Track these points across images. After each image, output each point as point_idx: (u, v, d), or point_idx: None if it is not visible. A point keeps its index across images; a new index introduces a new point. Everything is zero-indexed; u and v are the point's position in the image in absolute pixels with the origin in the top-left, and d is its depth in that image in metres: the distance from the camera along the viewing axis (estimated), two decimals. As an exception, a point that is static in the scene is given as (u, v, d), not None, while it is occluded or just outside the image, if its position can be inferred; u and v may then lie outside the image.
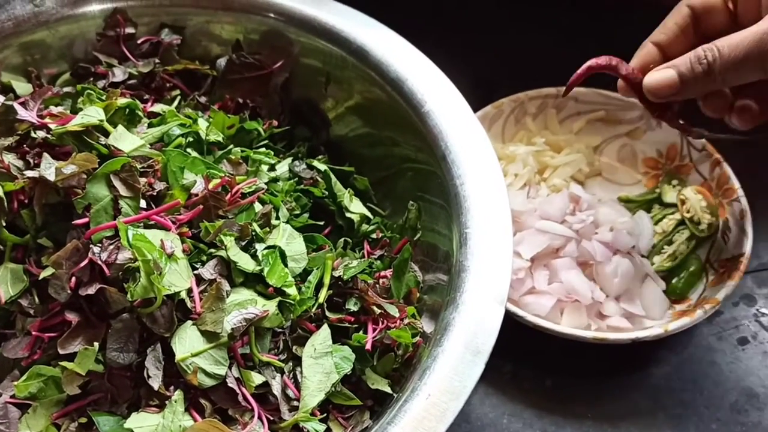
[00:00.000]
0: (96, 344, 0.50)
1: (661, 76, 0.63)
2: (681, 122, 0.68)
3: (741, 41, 0.58)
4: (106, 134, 0.58)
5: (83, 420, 0.50)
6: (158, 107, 0.69)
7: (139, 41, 0.74)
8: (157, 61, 0.73)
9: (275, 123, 0.74)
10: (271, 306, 0.54)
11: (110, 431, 0.49)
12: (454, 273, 0.57)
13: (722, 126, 0.68)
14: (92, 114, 0.57)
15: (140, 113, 0.63)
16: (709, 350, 0.74)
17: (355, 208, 0.68)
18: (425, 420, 0.48)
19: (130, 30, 0.74)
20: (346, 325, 0.59)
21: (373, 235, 0.68)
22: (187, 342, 0.51)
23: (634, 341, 0.68)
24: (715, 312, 0.70)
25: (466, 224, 0.59)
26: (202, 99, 0.74)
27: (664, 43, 0.66)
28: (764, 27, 0.57)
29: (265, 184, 0.64)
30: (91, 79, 0.72)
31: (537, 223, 0.75)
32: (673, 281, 0.75)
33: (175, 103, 0.72)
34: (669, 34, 0.66)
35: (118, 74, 0.71)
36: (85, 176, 0.53)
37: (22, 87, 0.71)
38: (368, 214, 0.69)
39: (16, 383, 0.51)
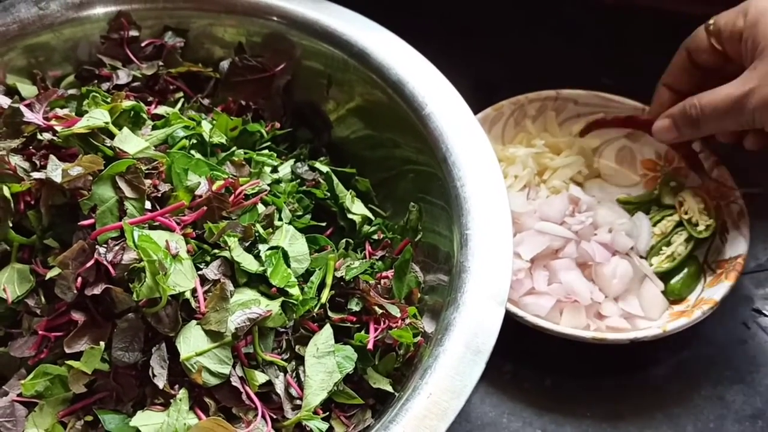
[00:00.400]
0: (102, 343, 0.50)
1: (662, 124, 0.76)
2: (692, 160, 0.80)
3: (720, 102, 0.69)
4: (112, 136, 0.58)
5: (89, 418, 0.51)
6: (162, 109, 0.69)
7: (142, 44, 0.75)
8: (160, 63, 0.74)
9: (278, 125, 0.74)
10: (275, 306, 0.54)
11: (116, 429, 0.50)
12: (455, 274, 0.58)
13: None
14: (98, 116, 0.57)
15: (145, 115, 0.63)
16: (707, 350, 0.75)
17: (357, 209, 0.69)
18: (426, 419, 0.49)
19: (134, 33, 0.74)
20: (348, 325, 0.59)
21: (375, 236, 0.68)
22: (192, 341, 0.52)
23: (632, 341, 0.69)
24: (712, 312, 0.71)
25: (466, 225, 0.60)
26: (205, 101, 0.75)
27: (672, 83, 0.78)
28: (738, 91, 0.67)
29: (268, 185, 0.65)
30: (96, 81, 0.72)
31: (536, 225, 0.76)
32: (672, 282, 0.76)
33: (179, 105, 0.73)
34: (674, 75, 0.78)
35: (122, 77, 0.72)
36: (91, 178, 0.54)
37: (27, 89, 0.71)
38: (370, 215, 0.70)
39: (23, 382, 0.51)
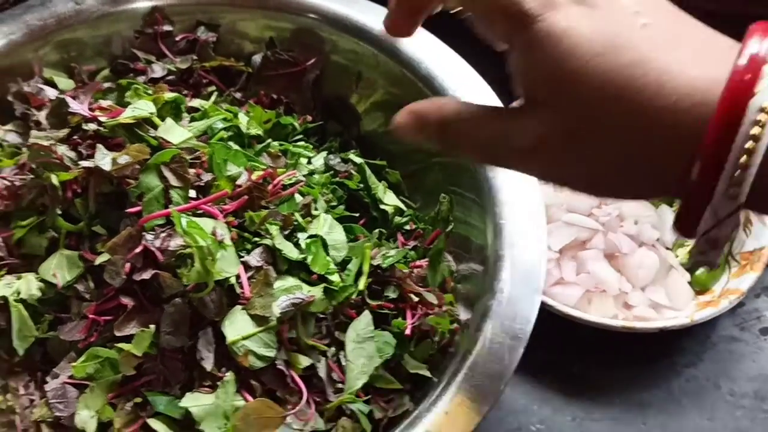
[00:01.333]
0: (152, 326, 0.51)
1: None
2: None
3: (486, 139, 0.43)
4: (155, 127, 0.59)
5: (138, 400, 0.52)
6: (196, 102, 0.70)
7: (176, 38, 0.76)
8: (194, 57, 0.75)
9: (309, 118, 0.75)
10: (317, 291, 0.55)
11: (165, 410, 0.51)
12: (490, 263, 0.59)
13: None
14: (143, 107, 0.59)
15: (183, 108, 0.65)
16: (732, 340, 0.76)
17: (389, 200, 0.70)
18: (468, 401, 0.50)
19: (167, 28, 0.75)
20: (386, 311, 0.60)
21: (407, 227, 0.69)
22: (237, 326, 0.53)
23: (661, 330, 0.70)
24: (737, 303, 0.72)
25: (500, 215, 0.61)
26: (237, 95, 0.76)
27: None
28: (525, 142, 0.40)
29: (304, 176, 0.66)
30: (131, 74, 0.73)
31: (564, 216, 0.77)
32: (697, 273, 0.77)
33: (212, 98, 0.74)
34: None
35: (157, 70, 0.73)
36: (137, 167, 0.55)
37: (64, 82, 0.72)
38: (402, 206, 0.71)
39: (73, 364, 0.52)
